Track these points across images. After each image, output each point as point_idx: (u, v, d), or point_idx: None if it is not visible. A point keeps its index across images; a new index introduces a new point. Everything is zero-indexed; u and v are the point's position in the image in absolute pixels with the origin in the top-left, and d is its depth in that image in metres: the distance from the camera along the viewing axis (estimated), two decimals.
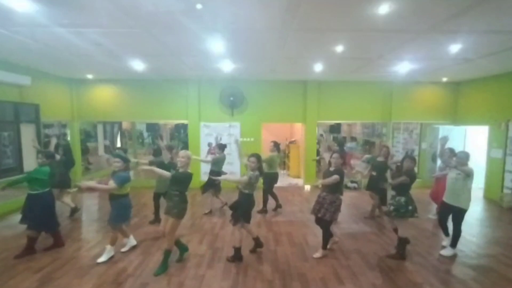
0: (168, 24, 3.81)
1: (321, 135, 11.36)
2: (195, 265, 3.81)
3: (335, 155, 4.09)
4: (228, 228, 5.15)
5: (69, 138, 8.33)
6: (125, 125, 12.26)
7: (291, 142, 10.43)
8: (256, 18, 3.63)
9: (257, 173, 3.86)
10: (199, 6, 3.20)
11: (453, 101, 8.34)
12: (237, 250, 3.92)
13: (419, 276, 3.60)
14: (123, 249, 4.15)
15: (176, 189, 3.61)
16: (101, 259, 3.85)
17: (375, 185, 5.52)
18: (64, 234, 4.76)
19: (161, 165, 4.62)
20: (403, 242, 3.99)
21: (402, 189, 3.96)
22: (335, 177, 3.85)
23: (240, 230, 3.95)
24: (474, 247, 4.44)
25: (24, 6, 3.22)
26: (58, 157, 5.29)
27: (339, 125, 11.23)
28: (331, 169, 4.04)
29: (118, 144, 11.74)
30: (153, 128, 12.33)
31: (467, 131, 8.24)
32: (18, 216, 5.64)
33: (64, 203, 5.55)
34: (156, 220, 5.25)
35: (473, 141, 8.11)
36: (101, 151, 10.89)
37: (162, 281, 3.43)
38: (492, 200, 6.95)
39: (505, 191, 6.75)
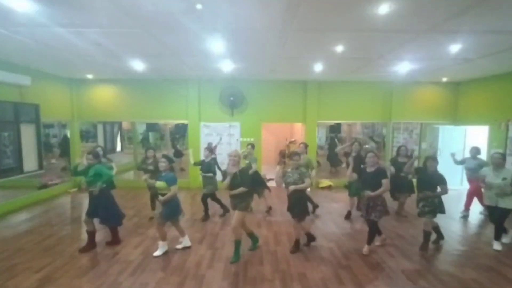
0: (168, 24, 3.81)
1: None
2: (195, 265, 3.81)
3: (370, 154, 4.11)
4: (228, 228, 5.15)
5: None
6: (125, 125, 12.26)
7: (291, 142, 10.44)
8: (256, 18, 3.63)
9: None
10: (199, 6, 3.20)
11: (453, 101, 8.34)
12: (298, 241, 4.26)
13: (419, 276, 3.60)
14: (178, 246, 4.26)
15: (236, 187, 3.82)
16: (157, 253, 4.05)
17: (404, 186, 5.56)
18: (65, 234, 4.78)
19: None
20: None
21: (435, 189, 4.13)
22: (387, 182, 3.99)
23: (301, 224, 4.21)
24: (474, 247, 4.44)
25: (24, 6, 3.22)
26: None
27: (339, 125, 11.25)
28: (369, 170, 4.09)
29: (118, 144, 11.74)
30: (153, 128, 12.34)
31: (467, 131, 8.23)
32: (18, 216, 5.71)
33: None
34: (207, 217, 5.58)
35: (473, 141, 8.10)
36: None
37: (162, 281, 3.43)
38: None
39: None
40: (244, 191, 3.83)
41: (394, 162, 5.73)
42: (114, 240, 4.38)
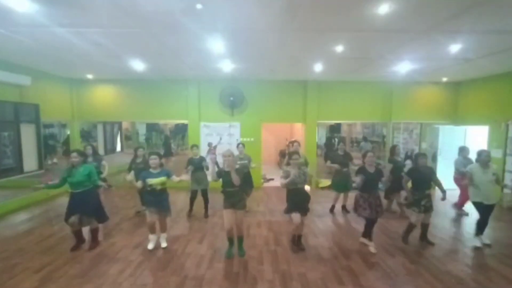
0: (168, 24, 3.81)
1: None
2: (195, 265, 3.81)
3: (369, 154, 4.26)
4: None
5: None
6: (125, 125, 12.25)
7: (291, 142, 10.42)
8: (256, 18, 3.63)
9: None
10: (199, 6, 3.20)
11: (453, 101, 8.33)
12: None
13: (419, 276, 3.60)
14: (163, 245, 4.31)
15: (235, 186, 3.85)
16: (150, 246, 4.23)
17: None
18: (65, 234, 4.77)
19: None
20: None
21: None
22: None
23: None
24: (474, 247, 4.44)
25: (24, 6, 3.23)
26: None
27: (339, 125, 11.24)
28: (371, 170, 4.22)
29: (118, 145, 11.73)
30: (152, 128, 12.35)
31: (467, 131, 8.23)
32: (18, 216, 5.71)
33: None
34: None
35: (473, 141, 8.10)
36: (101, 151, 10.87)
37: (162, 281, 3.43)
38: None
39: (505, 191, 6.74)
40: (240, 192, 3.96)
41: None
42: (95, 243, 4.33)
